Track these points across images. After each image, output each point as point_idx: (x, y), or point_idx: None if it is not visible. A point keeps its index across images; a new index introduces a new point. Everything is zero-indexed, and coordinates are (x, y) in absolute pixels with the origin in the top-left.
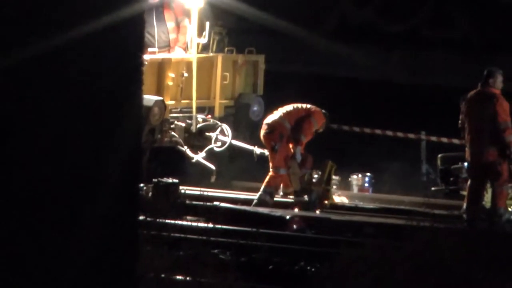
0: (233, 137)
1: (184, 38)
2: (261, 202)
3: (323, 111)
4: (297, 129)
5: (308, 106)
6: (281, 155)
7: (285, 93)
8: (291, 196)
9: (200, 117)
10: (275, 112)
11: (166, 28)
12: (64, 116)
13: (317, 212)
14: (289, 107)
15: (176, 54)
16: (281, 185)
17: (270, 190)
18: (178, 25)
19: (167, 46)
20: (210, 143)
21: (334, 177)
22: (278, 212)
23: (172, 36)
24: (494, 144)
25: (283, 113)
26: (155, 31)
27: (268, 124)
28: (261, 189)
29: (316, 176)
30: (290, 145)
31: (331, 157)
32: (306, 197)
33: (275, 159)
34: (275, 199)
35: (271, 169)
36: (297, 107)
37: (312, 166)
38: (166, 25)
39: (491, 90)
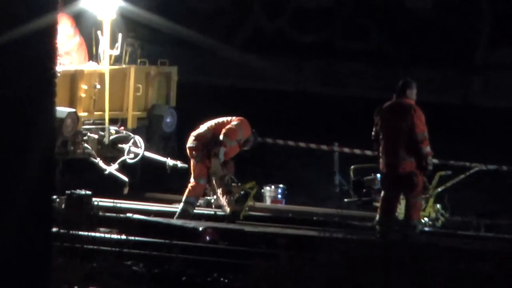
0: (146, 149)
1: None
2: (183, 213)
3: (253, 130)
4: (220, 133)
5: (235, 117)
6: (201, 165)
7: (198, 104)
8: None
9: (113, 128)
10: (202, 125)
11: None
12: None
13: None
14: (216, 120)
15: (89, 66)
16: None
17: (192, 200)
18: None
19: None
20: (123, 155)
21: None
22: (191, 224)
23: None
24: (410, 155)
25: (209, 126)
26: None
27: (193, 136)
28: (183, 199)
29: (238, 184)
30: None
31: (245, 168)
32: (224, 201)
33: (196, 170)
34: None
35: (192, 179)
36: (224, 120)
37: (234, 172)
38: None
39: (407, 101)
